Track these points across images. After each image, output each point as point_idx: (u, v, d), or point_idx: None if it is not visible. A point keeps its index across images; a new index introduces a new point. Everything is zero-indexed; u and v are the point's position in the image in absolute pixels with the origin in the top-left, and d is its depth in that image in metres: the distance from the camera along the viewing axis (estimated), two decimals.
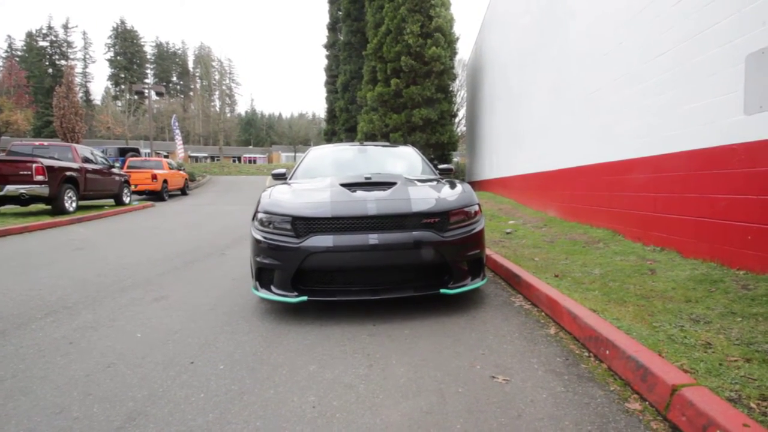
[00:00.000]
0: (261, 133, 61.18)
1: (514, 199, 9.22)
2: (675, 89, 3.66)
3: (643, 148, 4.15)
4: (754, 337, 1.95)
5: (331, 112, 20.31)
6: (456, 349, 2.11)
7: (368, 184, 2.90)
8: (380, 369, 1.89)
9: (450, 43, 14.28)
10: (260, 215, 2.73)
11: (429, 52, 13.52)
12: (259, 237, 2.67)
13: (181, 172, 17.19)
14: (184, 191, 16.93)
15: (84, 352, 2.18)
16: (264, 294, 2.62)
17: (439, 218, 2.59)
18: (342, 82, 17.64)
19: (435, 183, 3.06)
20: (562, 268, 3.52)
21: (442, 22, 13.77)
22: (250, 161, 46.06)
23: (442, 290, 2.56)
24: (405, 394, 1.67)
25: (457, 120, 17.04)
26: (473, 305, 2.80)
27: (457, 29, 15.12)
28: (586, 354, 2.00)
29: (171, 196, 15.26)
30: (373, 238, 2.44)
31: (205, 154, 46.31)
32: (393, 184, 2.89)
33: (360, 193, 2.72)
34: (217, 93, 49.88)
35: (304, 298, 2.47)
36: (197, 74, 53.09)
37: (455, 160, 21.90)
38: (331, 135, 20.70)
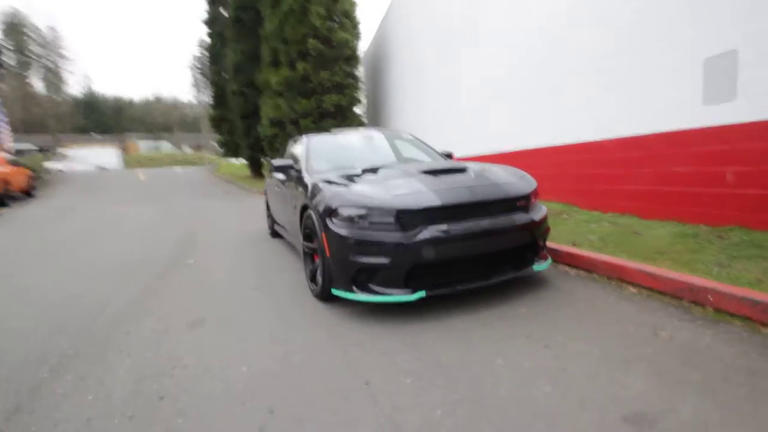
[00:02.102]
0: (106, 119, 51.07)
1: None
2: (631, 82, 4.45)
3: (599, 132, 4.93)
4: None
5: (219, 96, 18.16)
6: (590, 318, 2.29)
7: (443, 171, 2.83)
8: (561, 348, 1.96)
9: (355, 27, 14.17)
10: (346, 210, 2.44)
11: (337, 36, 13.20)
12: (347, 234, 2.39)
13: (23, 168, 13.45)
14: (29, 193, 13.32)
15: (199, 406, 1.69)
16: (365, 297, 2.38)
17: (525, 200, 2.72)
18: (234, 62, 15.92)
19: (489, 166, 3.14)
20: (560, 237, 4.01)
21: (347, 7, 13.57)
22: None
23: (535, 267, 2.71)
24: (617, 364, 1.78)
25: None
26: (540, 280, 3.02)
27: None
28: (685, 303, 2.40)
29: (12, 199, 11.84)
30: (484, 224, 2.43)
31: (31, 145, 36.73)
32: (465, 169, 2.89)
33: (450, 180, 2.65)
34: (41, 70, 39.63)
35: (423, 293, 2.34)
36: (6, 46, 41.15)
37: None
38: (219, 121, 18.59)
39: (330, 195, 2.59)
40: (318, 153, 3.78)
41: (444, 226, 2.36)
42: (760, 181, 3.26)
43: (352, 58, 14.14)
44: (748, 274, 2.57)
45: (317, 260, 2.94)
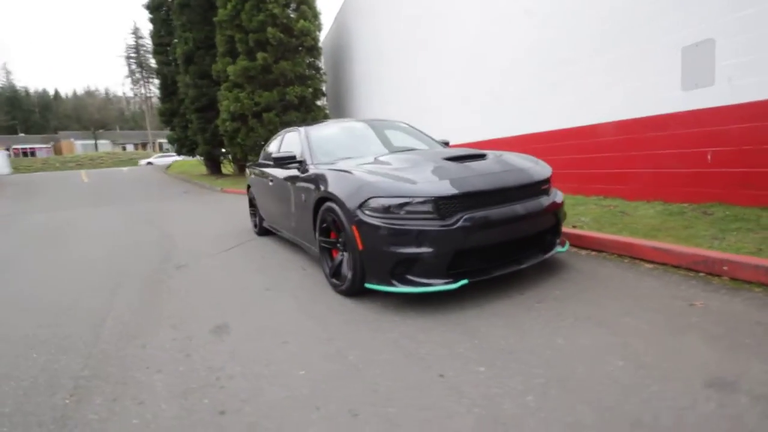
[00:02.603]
0: (32, 117, 46.09)
1: None
2: (612, 68, 4.67)
3: (578, 118, 5.15)
4: (763, 241, 2.86)
5: (167, 87, 16.92)
6: (624, 294, 2.38)
7: (466, 158, 2.81)
8: (613, 325, 2.01)
9: (315, 17, 13.76)
10: (380, 200, 2.35)
11: (298, 26, 12.76)
12: (384, 224, 2.31)
13: None
14: None
15: (269, 417, 1.56)
16: (405, 288, 2.31)
17: (547, 184, 2.77)
18: (184, 52, 14.88)
19: (503, 153, 3.17)
20: None
21: None
22: (26, 153, 34.43)
23: (557, 249, 2.77)
24: (672, 335, 1.86)
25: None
26: (558, 262, 3.10)
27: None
28: (701, 274, 2.57)
29: None
30: (518, 209, 2.45)
31: None
32: (485, 156, 2.89)
33: (477, 166, 2.64)
34: None
35: (466, 281, 2.31)
36: None
37: None
38: (170, 116, 17.38)
39: (360, 185, 2.48)
40: (321, 143, 3.63)
41: (481, 212, 2.34)
42: (741, 159, 3.56)
43: (314, 49, 13.77)
44: (746, 245, 2.79)
45: (337, 255, 2.84)
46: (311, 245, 3.27)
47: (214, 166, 17.73)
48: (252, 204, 5.42)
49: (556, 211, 2.72)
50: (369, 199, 2.39)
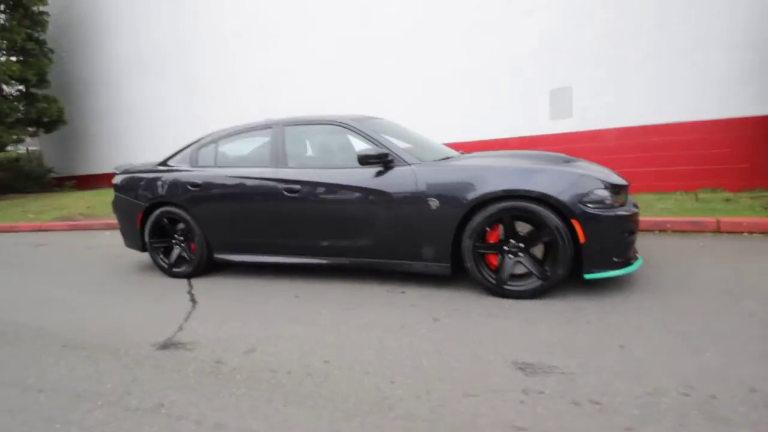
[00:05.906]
0: None
1: None
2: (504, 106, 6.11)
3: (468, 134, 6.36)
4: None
5: None
6: (688, 251, 3.44)
7: None
8: (762, 263, 3.00)
9: None
10: (600, 192, 2.44)
11: None
12: (606, 214, 2.43)
13: None
14: None
15: None
16: (623, 270, 2.49)
17: None
18: None
19: None
20: None
21: None
22: None
23: None
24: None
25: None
26: None
27: None
28: (692, 233, 4.03)
29: None
30: None
31: None
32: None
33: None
34: None
35: (640, 258, 2.74)
36: None
37: (21, 149, 14.76)
38: None
39: (575, 178, 2.45)
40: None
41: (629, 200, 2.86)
42: None
43: (36, 15, 9.46)
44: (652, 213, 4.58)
45: (500, 258, 2.63)
46: (428, 261, 2.76)
47: None
48: (166, 235, 3.53)
49: None
50: (593, 191, 2.44)
